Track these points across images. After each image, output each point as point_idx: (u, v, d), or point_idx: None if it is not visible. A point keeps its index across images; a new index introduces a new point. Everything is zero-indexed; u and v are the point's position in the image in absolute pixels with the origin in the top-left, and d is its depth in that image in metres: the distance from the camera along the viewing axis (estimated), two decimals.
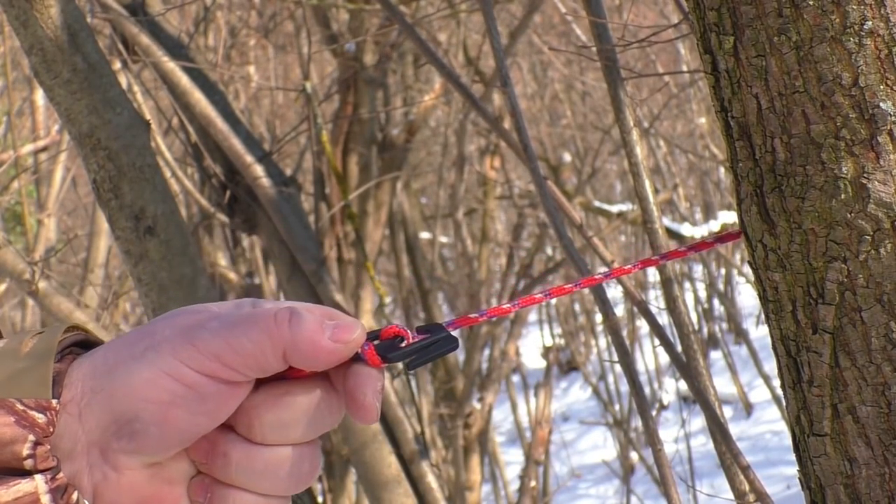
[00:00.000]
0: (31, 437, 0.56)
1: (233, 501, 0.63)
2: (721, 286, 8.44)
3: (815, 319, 0.79)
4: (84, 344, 0.63)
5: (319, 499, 3.96)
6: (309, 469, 0.63)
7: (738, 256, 7.80)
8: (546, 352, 7.13)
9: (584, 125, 7.71)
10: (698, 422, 6.65)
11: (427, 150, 6.83)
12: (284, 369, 0.61)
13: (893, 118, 0.74)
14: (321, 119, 3.17)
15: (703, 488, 6.05)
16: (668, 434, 6.65)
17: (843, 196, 0.76)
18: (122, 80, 3.01)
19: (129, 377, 0.59)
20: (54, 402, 0.58)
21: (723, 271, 8.64)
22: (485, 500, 6.26)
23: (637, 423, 6.38)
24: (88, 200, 6.60)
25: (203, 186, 3.34)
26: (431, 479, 2.74)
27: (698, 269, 8.86)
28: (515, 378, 7.66)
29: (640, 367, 7.77)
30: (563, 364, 10.17)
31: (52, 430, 0.57)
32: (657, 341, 1.31)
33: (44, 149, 4.13)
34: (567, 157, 6.92)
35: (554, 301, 8.28)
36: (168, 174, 3.20)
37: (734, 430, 7.00)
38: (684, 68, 6.25)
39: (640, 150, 1.34)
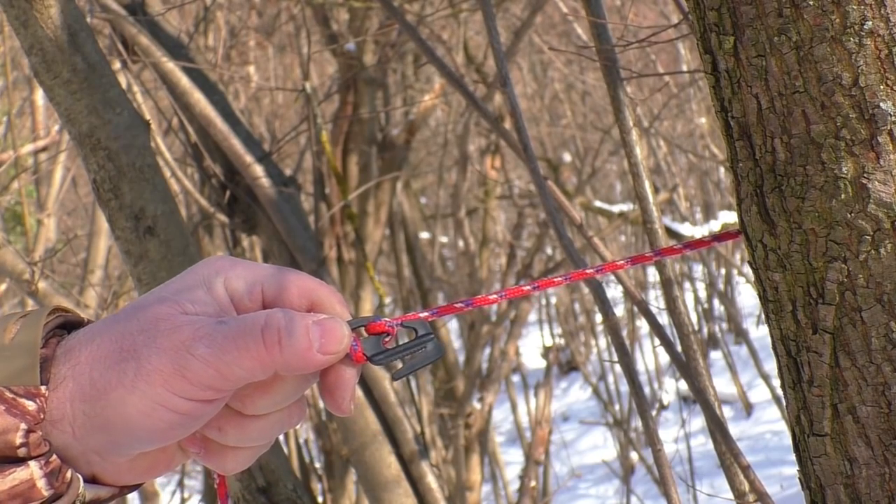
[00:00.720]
0: (23, 426, 0.57)
1: (229, 459, 0.64)
2: (721, 286, 8.44)
3: (815, 319, 0.79)
4: (66, 325, 0.63)
5: (319, 499, 3.97)
6: (297, 419, 0.65)
7: (738, 256, 7.80)
8: (546, 352, 7.13)
9: (584, 125, 7.71)
10: (698, 422, 6.65)
11: (427, 150, 6.84)
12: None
13: (893, 118, 0.74)
14: (321, 119, 3.17)
15: (703, 488, 6.05)
16: (668, 434, 6.65)
17: (843, 196, 0.76)
18: (122, 80, 3.01)
19: (124, 408, 0.58)
20: (43, 388, 0.58)
21: (723, 271, 8.64)
22: (485, 500, 6.25)
23: (637, 423, 6.38)
24: (88, 200, 6.60)
25: (203, 186, 3.34)
26: (431, 479, 2.74)
27: (698, 269, 8.86)
28: (515, 378, 7.66)
29: (640, 367, 7.77)
30: (563, 364, 10.17)
31: (42, 416, 0.58)
32: (657, 341, 1.31)
33: (44, 149, 4.13)
34: (567, 157, 6.92)
35: (554, 301, 8.29)
36: (168, 174, 3.20)
37: (734, 430, 7.00)
38: (684, 68, 6.25)
39: (639, 150, 1.34)
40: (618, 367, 6.82)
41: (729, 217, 5.13)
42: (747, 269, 6.94)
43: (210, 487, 4.22)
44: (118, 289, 4.29)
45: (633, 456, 6.44)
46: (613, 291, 8.71)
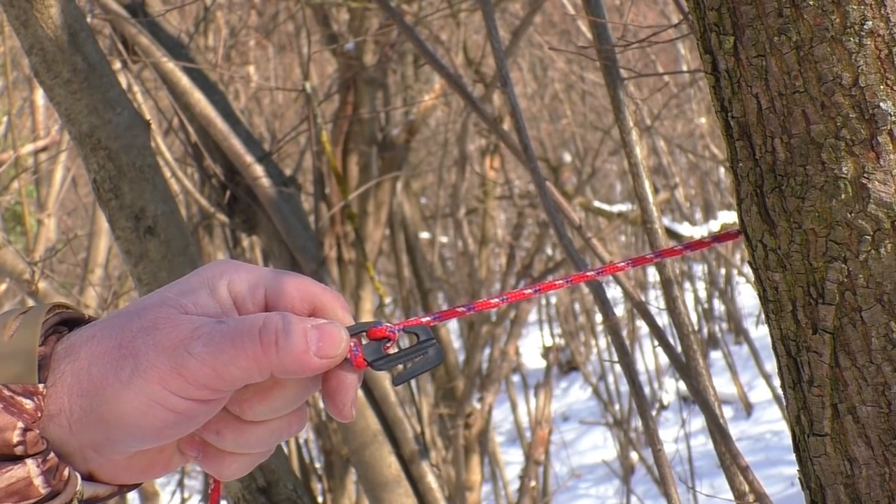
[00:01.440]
0: (21, 424, 0.57)
1: (227, 464, 0.64)
2: (721, 286, 8.44)
3: (815, 319, 0.79)
4: (68, 322, 0.63)
5: (319, 499, 3.96)
6: (297, 428, 0.66)
7: (738, 256, 7.80)
8: (546, 352, 7.13)
9: (584, 125, 7.71)
10: (698, 422, 6.65)
11: (427, 150, 6.84)
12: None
13: (893, 118, 0.74)
14: (321, 119, 3.16)
15: (703, 488, 6.05)
16: (668, 434, 6.65)
17: (843, 196, 0.76)
18: (122, 80, 3.01)
19: (119, 404, 0.59)
20: (41, 386, 0.58)
21: (723, 271, 8.64)
22: (485, 500, 6.25)
23: (637, 423, 6.38)
24: (88, 200, 6.60)
25: (203, 186, 3.34)
26: (431, 479, 2.74)
27: (698, 269, 8.86)
28: (515, 378, 7.66)
29: (640, 367, 7.77)
30: (563, 364, 10.17)
31: (39, 415, 0.58)
32: (657, 341, 1.31)
33: (44, 149, 4.12)
34: (567, 157, 6.91)
35: (554, 301, 8.29)
36: (168, 174, 3.20)
37: (734, 430, 7.00)
38: (684, 68, 6.25)
39: (639, 150, 1.34)
40: (618, 367, 6.82)
41: (729, 217, 5.12)
42: (747, 269, 6.94)
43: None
44: (118, 289, 4.29)
45: (633, 456, 6.44)
46: (614, 291, 8.71)
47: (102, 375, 0.59)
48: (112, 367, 0.59)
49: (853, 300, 0.77)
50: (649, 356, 8.01)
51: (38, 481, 0.57)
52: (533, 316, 8.07)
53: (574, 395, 9.72)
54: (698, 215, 8.63)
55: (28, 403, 0.57)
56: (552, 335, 8.06)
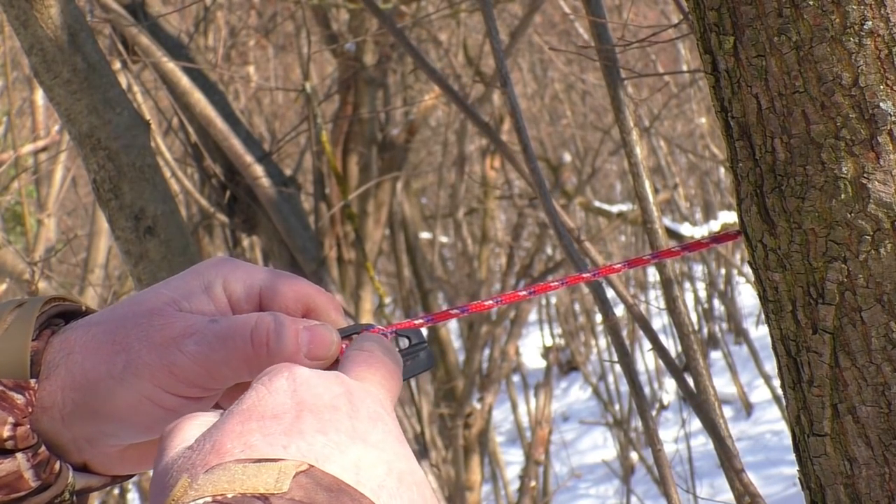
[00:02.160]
0: (11, 419, 0.57)
1: None
2: (721, 286, 8.44)
3: (815, 319, 0.79)
4: (65, 314, 0.63)
5: None
6: None
7: (738, 256, 7.80)
8: (546, 352, 7.13)
9: (584, 125, 7.71)
10: (698, 422, 6.63)
11: (427, 150, 6.83)
12: None
13: (893, 118, 0.74)
14: (321, 119, 3.17)
15: (703, 488, 6.06)
16: (668, 434, 6.65)
17: (843, 196, 0.76)
18: (123, 80, 3.01)
19: (112, 399, 0.59)
20: (32, 381, 0.59)
21: (723, 271, 8.64)
22: (485, 500, 6.25)
23: (637, 423, 6.38)
24: (88, 200, 6.60)
25: (203, 186, 3.34)
26: (431, 480, 2.74)
27: (698, 269, 8.86)
28: (515, 378, 7.66)
29: (640, 367, 7.77)
30: (563, 364, 10.17)
31: (30, 410, 0.58)
32: (651, 345, 1.31)
33: (44, 149, 4.12)
34: (567, 157, 6.91)
35: (554, 301, 8.29)
36: (168, 174, 3.20)
37: (734, 430, 6.99)
38: (684, 68, 6.25)
39: (639, 150, 1.34)
40: (618, 367, 6.82)
41: (729, 217, 5.12)
42: (747, 269, 6.94)
43: None
44: (118, 289, 4.29)
45: (633, 456, 6.44)
46: (613, 291, 8.69)
47: (95, 370, 0.59)
48: (105, 362, 0.59)
49: (853, 300, 0.77)
50: (649, 356, 8.01)
51: (28, 474, 0.58)
52: (533, 316, 8.07)
53: (574, 395, 9.73)
54: (698, 215, 8.63)
55: (19, 398, 0.58)
56: (552, 335, 8.06)
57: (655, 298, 8.85)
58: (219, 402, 0.64)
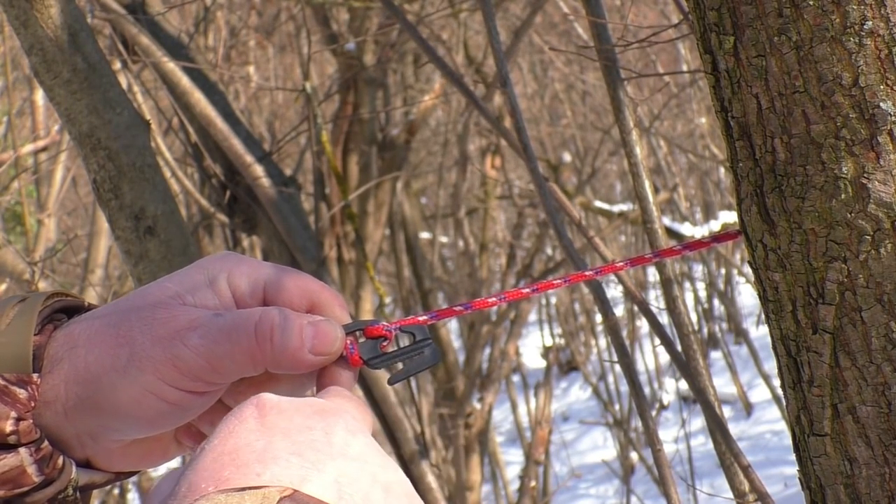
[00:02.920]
0: (13, 414, 0.57)
1: None
2: (721, 286, 8.44)
3: (815, 319, 0.79)
4: (67, 309, 0.63)
5: None
6: None
7: (738, 256, 7.80)
8: (546, 352, 7.13)
9: (584, 125, 7.71)
10: (698, 422, 6.65)
11: (427, 150, 6.83)
12: None
13: (893, 118, 0.74)
14: (321, 119, 3.16)
15: (703, 488, 6.05)
16: (668, 434, 6.65)
17: (843, 196, 0.76)
18: (123, 80, 3.01)
19: (115, 392, 0.59)
20: (35, 376, 0.58)
21: (723, 271, 8.64)
22: (485, 500, 6.25)
23: (637, 423, 6.38)
24: (88, 200, 6.60)
25: (203, 186, 3.34)
26: (431, 479, 2.74)
27: (698, 269, 8.86)
28: (515, 378, 7.66)
29: (640, 367, 7.77)
30: (563, 364, 10.17)
31: (33, 404, 0.58)
32: (657, 341, 1.31)
33: (44, 149, 4.12)
34: (567, 157, 6.92)
35: (554, 301, 8.29)
36: (168, 174, 3.20)
37: (734, 430, 7.00)
38: (684, 68, 6.25)
39: (639, 150, 1.34)
40: (618, 367, 6.82)
41: (729, 217, 5.13)
42: (747, 269, 6.94)
43: None
44: (118, 289, 4.29)
45: (633, 456, 6.44)
46: (613, 291, 8.71)
47: (99, 363, 0.59)
48: (108, 355, 0.59)
49: (853, 300, 0.77)
50: (649, 356, 8.01)
51: (31, 469, 0.57)
52: (533, 316, 8.07)
53: (574, 395, 9.72)
54: (698, 215, 8.63)
55: (22, 393, 0.58)
56: (552, 335, 8.06)
57: (655, 298, 8.85)
58: (222, 398, 0.63)
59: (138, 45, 2.76)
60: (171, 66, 2.75)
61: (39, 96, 4.23)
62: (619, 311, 8.13)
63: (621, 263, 0.85)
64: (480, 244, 5.60)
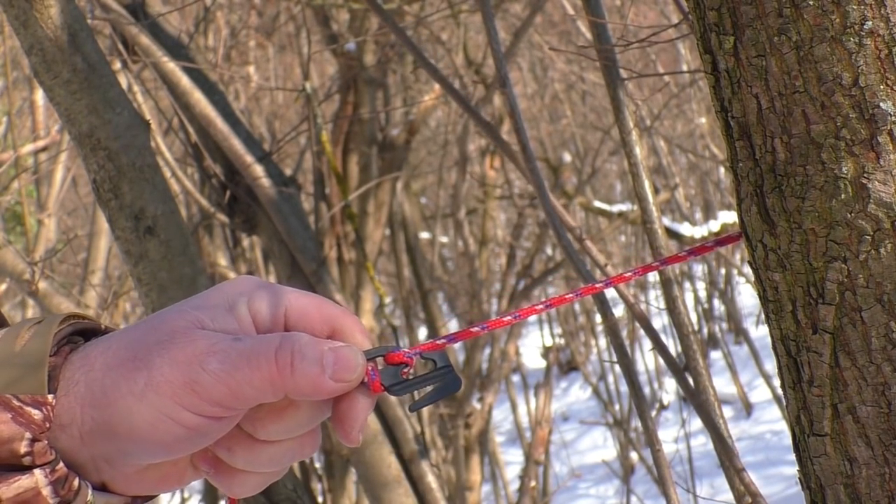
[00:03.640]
0: (28, 435, 0.56)
1: (238, 481, 0.64)
2: (721, 286, 8.44)
3: (815, 319, 0.79)
4: (84, 332, 0.63)
5: (319, 499, 3.96)
6: (310, 450, 0.65)
7: (738, 256, 7.80)
8: (546, 352, 7.13)
9: (584, 125, 7.70)
10: (698, 422, 6.64)
11: (427, 150, 6.84)
12: None
13: (893, 118, 0.74)
14: (321, 119, 3.16)
15: (703, 488, 6.06)
16: (668, 434, 6.65)
17: (843, 196, 0.76)
18: (123, 80, 3.01)
19: (131, 417, 0.58)
20: (50, 397, 0.58)
21: (723, 271, 8.64)
22: (485, 500, 6.25)
23: (637, 423, 6.38)
24: (88, 200, 6.59)
25: (203, 186, 3.34)
26: (431, 479, 2.74)
27: (698, 269, 8.86)
28: (515, 378, 7.66)
29: (639, 367, 7.77)
30: (563, 364, 10.17)
31: (48, 425, 0.58)
32: (653, 345, 1.31)
33: (44, 149, 4.12)
34: (567, 157, 6.91)
35: None
36: (168, 174, 3.20)
37: (734, 430, 6.99)
38: (684, 68, 6.24)
39: (639, 150, 1.34)
40: (618, 367, 6.82)
41: (729, 217, 5.12)
42: (747, 269, 6.94)
43: (210, 487, 4.22)
44: (118, 289, 4.29)
45: (633, 456, 6.44)
46: (613, 292, 8.69)
47: (115, 387, 0.58)
48: (125, 379, 0.58)
49: (853, 300, 0.77)
50: (649, 356, 8.01)
51: (46, 491, 0.57)
52: (533, 316, 8.05)
53: (574, 395, 9.72)
54: (698, 215, 8.63)
55: (37, 414, 0.57)
56: (552, 335, 8.06)
57: (655, 298, 8.85)
58: (240, 423, 0.63)
59: (138, 45, 2.76)
60: (171, 66, 2.75)
61: (39, 96, 4.23)
62: (619, 311, 8.13)
63: (630, 273, 0.86)
64: (480, 244, 5.60)
